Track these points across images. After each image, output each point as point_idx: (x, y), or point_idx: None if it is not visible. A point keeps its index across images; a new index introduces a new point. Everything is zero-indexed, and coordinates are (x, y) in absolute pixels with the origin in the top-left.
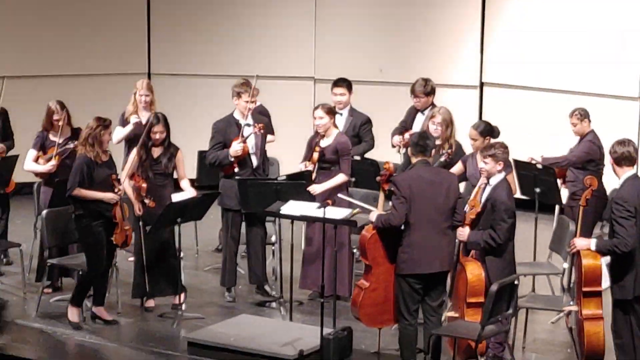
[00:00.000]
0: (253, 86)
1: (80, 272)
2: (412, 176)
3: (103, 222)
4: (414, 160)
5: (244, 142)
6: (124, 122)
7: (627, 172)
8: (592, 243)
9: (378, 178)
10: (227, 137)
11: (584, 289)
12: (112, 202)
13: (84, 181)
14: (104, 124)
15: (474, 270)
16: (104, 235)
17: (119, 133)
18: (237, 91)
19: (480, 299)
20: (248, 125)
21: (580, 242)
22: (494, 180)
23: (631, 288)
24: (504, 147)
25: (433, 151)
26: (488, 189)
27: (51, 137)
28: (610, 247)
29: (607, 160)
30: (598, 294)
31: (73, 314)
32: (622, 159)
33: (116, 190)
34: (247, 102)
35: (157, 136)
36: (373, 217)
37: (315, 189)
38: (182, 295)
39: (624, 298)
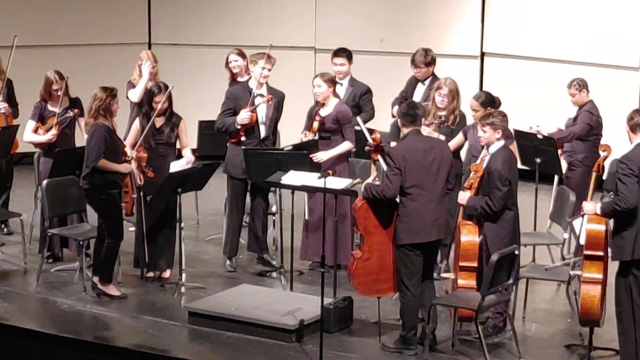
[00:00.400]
0: (267, 53)
1: (105, 243)
2: (405, 147)
3: (117, 191)
4: (405, 130)
5: (253, 111)
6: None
7: None
8: (597, 207)
9: (366, 148)
10: (238, 104)
11: (586, 252)
12: (127, 172)
13: (107, 151)
14: (112, 93)
15: (468, 235)
16: (120, 204)
17: (136, 91)
18: (252, 59)
19: (472, 263)
20: (261, 95)
21: (588, 207)
22: (492, 149)
23: (630, 249)
24: (503, 116)
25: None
26: (487, 157)
27: (50, 107)
28: (611, 205)
29: (606, 129)
30: (600, 259)
31: (111, 290)
32: (637, 126)
33: (129, 159)
34: (262, 68)
35: (159, 106)
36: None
37: (321, 156)
38: (168, 271)
39: (622, 259)
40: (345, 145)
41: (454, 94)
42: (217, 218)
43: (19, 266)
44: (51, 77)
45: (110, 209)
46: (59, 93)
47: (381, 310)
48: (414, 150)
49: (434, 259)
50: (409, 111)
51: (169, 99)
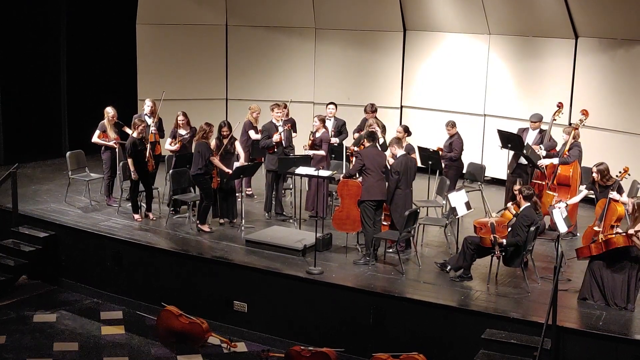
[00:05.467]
0: (288, 106)
1: (203, 203)
2: (367, 151)
3: (208, 176)
4: (367, 144)
5: (280, 134)
6: (253, 128)
7: None
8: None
9: (347, 152)
10: (270, 132)
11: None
12: (219, 165)
13: (208, 155)
14: (210, 128)
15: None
16: (210, 183)
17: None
18: (272, 107)
19: (387, 212)
20: (283, 125)
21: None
22: (398, 154)
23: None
24: (398, 140)
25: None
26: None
27: (179, 131)
28: None
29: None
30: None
31: (205, 227)
32: None
33: (218, 159)
34: (279, 113)
35: (224, 132)
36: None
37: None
38: (236, 220)
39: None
40: (321, 153)
41: (381, 126)
42: (261, 190)
43: (156, 215)
44: (180, 114)
45: (204, 185)
46: (181, 123)
47: (346, 241)
48: (371, 152)
49: (380, 211)
50: (371, 135)
51: (230, 129)
